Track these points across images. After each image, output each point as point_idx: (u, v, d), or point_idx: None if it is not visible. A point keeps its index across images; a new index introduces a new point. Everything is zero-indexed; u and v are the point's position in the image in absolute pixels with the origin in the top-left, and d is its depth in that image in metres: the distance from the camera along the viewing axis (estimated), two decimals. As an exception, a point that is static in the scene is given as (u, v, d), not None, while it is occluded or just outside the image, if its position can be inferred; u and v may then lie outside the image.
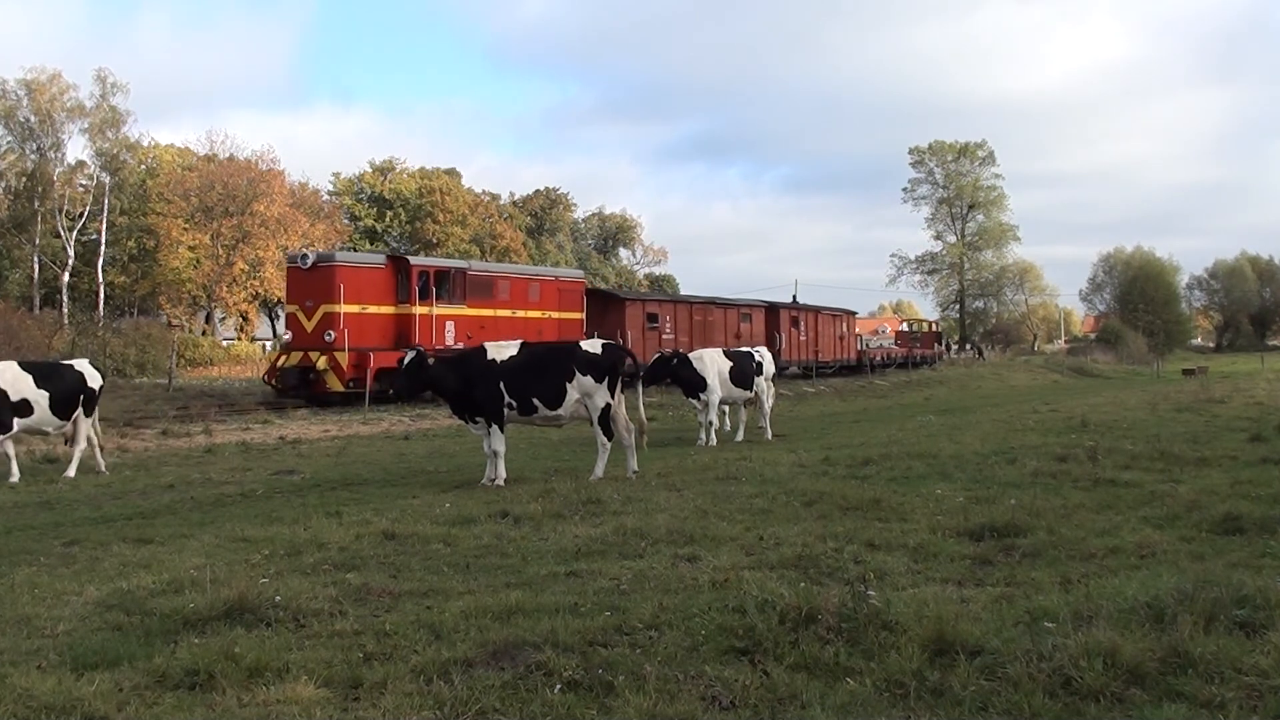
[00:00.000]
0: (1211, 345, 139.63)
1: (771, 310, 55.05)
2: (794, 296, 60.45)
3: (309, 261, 34.52)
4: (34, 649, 6.88)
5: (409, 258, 37.53)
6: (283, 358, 34.46)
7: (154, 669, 6.26)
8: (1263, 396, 32.96)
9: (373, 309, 34.44)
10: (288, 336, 35.07)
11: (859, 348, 66.82)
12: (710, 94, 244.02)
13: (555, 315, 40.45)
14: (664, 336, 44.56)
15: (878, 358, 68.40)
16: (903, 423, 27.35)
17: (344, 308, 33.34)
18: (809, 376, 54.28)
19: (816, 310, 60.46)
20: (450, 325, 36.22)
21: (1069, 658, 5.82)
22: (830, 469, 15.53)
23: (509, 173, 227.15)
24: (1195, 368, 74.78)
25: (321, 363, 32.68)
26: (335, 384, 32.79)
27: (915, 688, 5.74)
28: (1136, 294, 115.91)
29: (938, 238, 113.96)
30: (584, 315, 42.09)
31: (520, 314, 38.97)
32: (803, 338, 56.64)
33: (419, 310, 35.23)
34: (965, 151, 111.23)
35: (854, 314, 67.31)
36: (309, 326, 33.68)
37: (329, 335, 32.96)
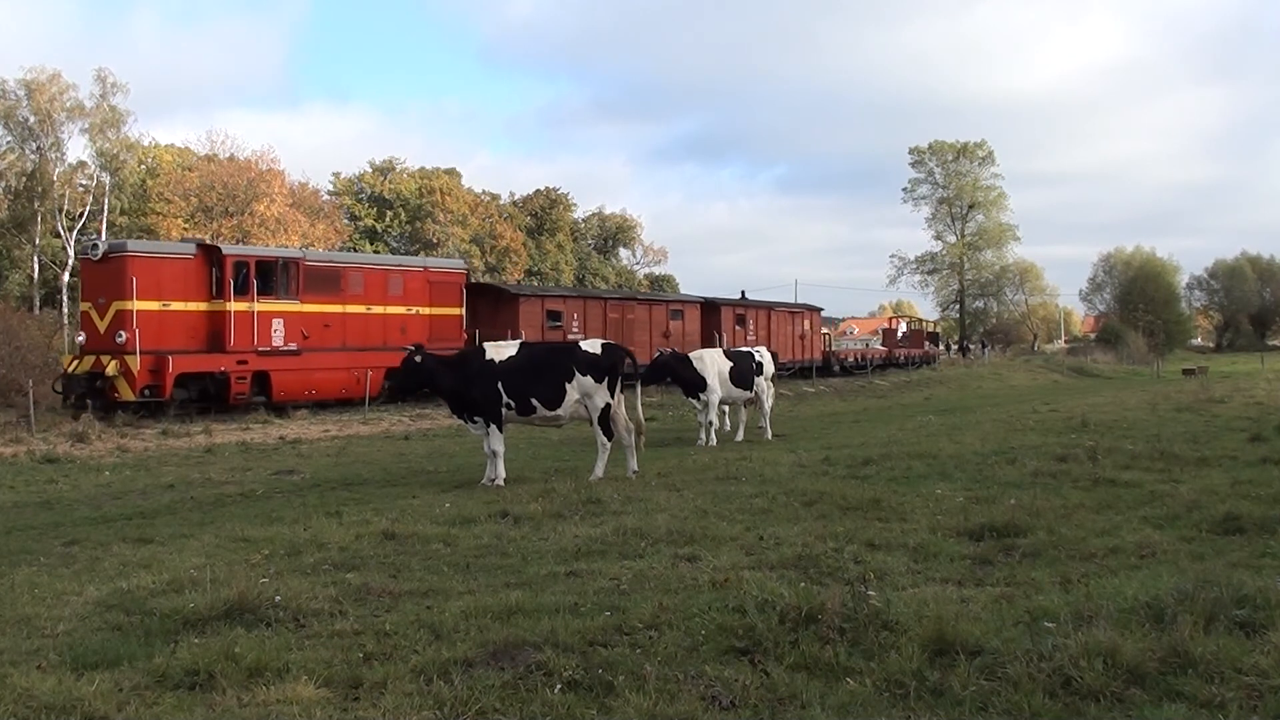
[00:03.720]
0: (1211, 345, 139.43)
1: (710, 307, 50.81)
2: (742, 293, 56.94)
3: (99, 252, 30.34)
4: (34, 649, 6.89)
5: (221, 246, 33.44)
6: (74, 362, 29.76)
7: (154, 669, 6.26)
8: (1263, 396, 32.96)
9: (176, 306, 29.95)
10: (81, 338, 30.54)
11: (826, 348, 62.37)
12: (704, 93, 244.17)
13: (425, 311, 36.15)
14: (569, 337, 39.80)
15: (850, 359, 64.54)
16: (902, 423, 27.36)
17: (137, 304, 28.84)
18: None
19: (769, 307, 55.93)
20: (278, 324, 31.64)
21: (1069, 658, 5.82)
22: (830, 469, 15.55)
23: (505, 172, 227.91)
24: (1195, 368, 74.62)
25: (111, 367, 28.30)
26: (126, 392, 28.39)
27: (915, 688, 5.74)
28: (1136, 294, 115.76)
29: (938, 238, 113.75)
30: (463, 311, 37.77)
31: (377, 310, 34.77)
32: (750, 336, 50.95)
33: (234, 307, 30.52)
34: (965, 151, 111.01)
35: (818, 310, 62.30)
36: (101, 326, 29.51)
37: (120, 336, 28.60)
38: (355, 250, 69.02)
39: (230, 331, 30.31)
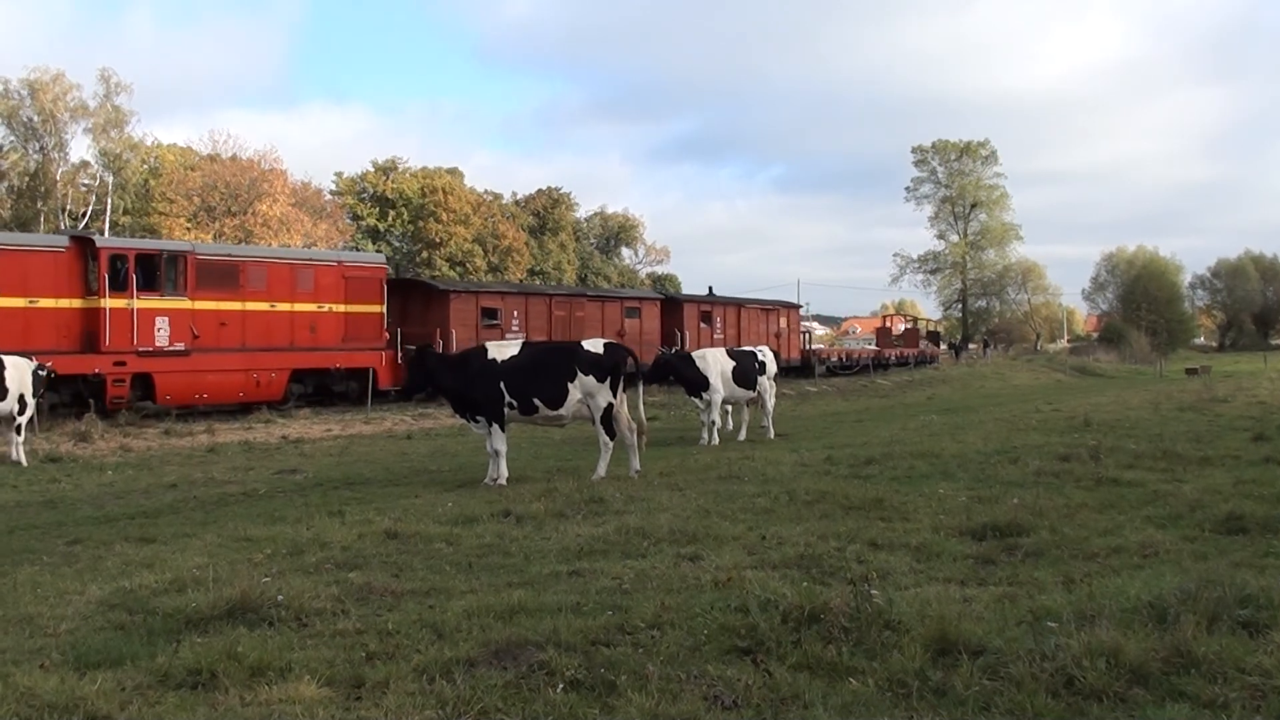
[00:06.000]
0: (1214, 345, 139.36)
1: (671, 304, 48.86)
2: (709, 289, 54.94)
3: None
4: (37, 648, 6.89)
5: (95, 238, 30.44)
6: None
7: (157, 668, 6.27)
8: (1265, 396, 32.93)
9: (45, 303, 27.54)
10: None
11: (805, 347, 59.71)
12: (702, 92, 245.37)
13: (339, 309, 33.47)
14: (507, 336, 37.31)
15: (833, 358, 61.81)
16: (905, 422, 27.33)
17: None
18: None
19: (739, 304, 53.32)
20: (163, 321, 29.11)
21: (1072, 657, 5.81)
22: (833, 468, 15.54)
23: (503, 172, 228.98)
24: (1198, 367, 74.49)
25: None
26: None
27: (918, 687, 5.74)
28: (1139, 293, 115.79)
29: (940, 237, 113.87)
30: (383, 309, 35.02)
31: (282, 307, 32.03)
32: (718, 335, 48.80)
33: (110, 303, 28.05)
34: (968, 150, 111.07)
35: (796, 307, 60.20)
36: None
37: None
38: (357, 249, 68.98)
39: (105, 330, 27.96)
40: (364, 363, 33.68)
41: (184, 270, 29.74)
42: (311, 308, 32.78)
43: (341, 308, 33.51)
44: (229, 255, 32.98)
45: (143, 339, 28.59)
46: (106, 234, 57.74)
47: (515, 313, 40.16)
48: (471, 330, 37.25)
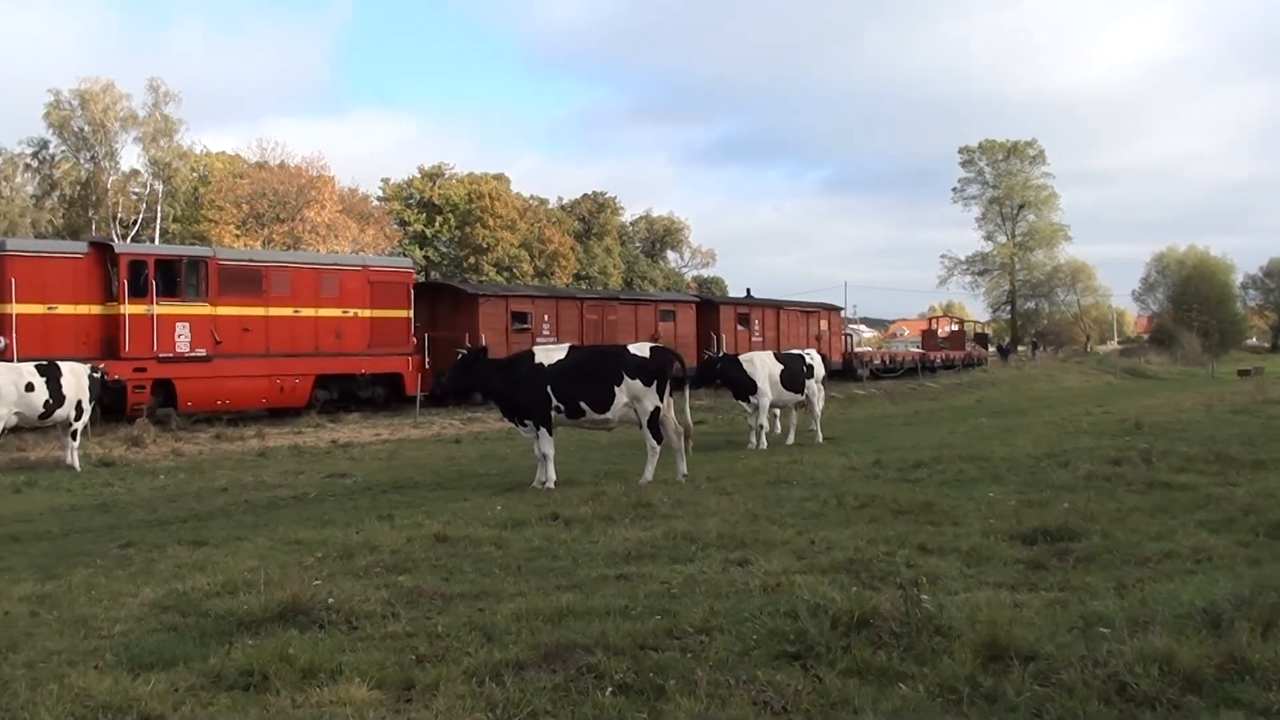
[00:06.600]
0: (1267, 345, 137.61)
1: (707, 306, 47.91)
2: (747, 291, 54.65)
3: None
4: (91, 649, 6.97)
5: (114, 245, 30.68)
6: None
7: (209, 670, 6.33)
8: (1320, 398, 32.49)
9: (64, 309, 27.39)
10: None
11: (847, 350, 58.37)
12: (746, 94, 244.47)
13: (366, 314, 33.16)
14: (538, 340, 36.35)
15: (877, 360, 61.31)
16: (954, 425, 27.18)
17: (17, 308, 26.44)
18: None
19: (778, 306, 52.33)
20: (183, 328, 28.91)
21: (1124, 664, 5.76)
22: (881, 472, 15.47)
23: (549, 176, 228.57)
24: (1251, 368, 73.81)
25: None
26: None
27: (968, 693, 5.71)
28: (1190, 294, 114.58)
29: (988, 238, 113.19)
30: (410, 313, 34.66)
31: (307, 312, 31.77)
32: (756, 338, 47.58)
33: (129, 310, 27.91)
34: (1015, 150, 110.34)
35: (837, 310, 59.11)
36: None
37: (0, 343, 26.19)
38: (404, 255, 69.25)
39: (125, 337, 27.80)
40: (391, 368, 33.48)
41: (205, 276, 29.60)
42: (337, 313, 32.55)
43: (367, 313, 33.26)
44: (252, 261, 32.81)
45: (163, 345, 28.44)
46: (157, 242, 58.47)
47: (546, 317, 39.77)
48: (501, 335, 36.90)
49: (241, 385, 29.91)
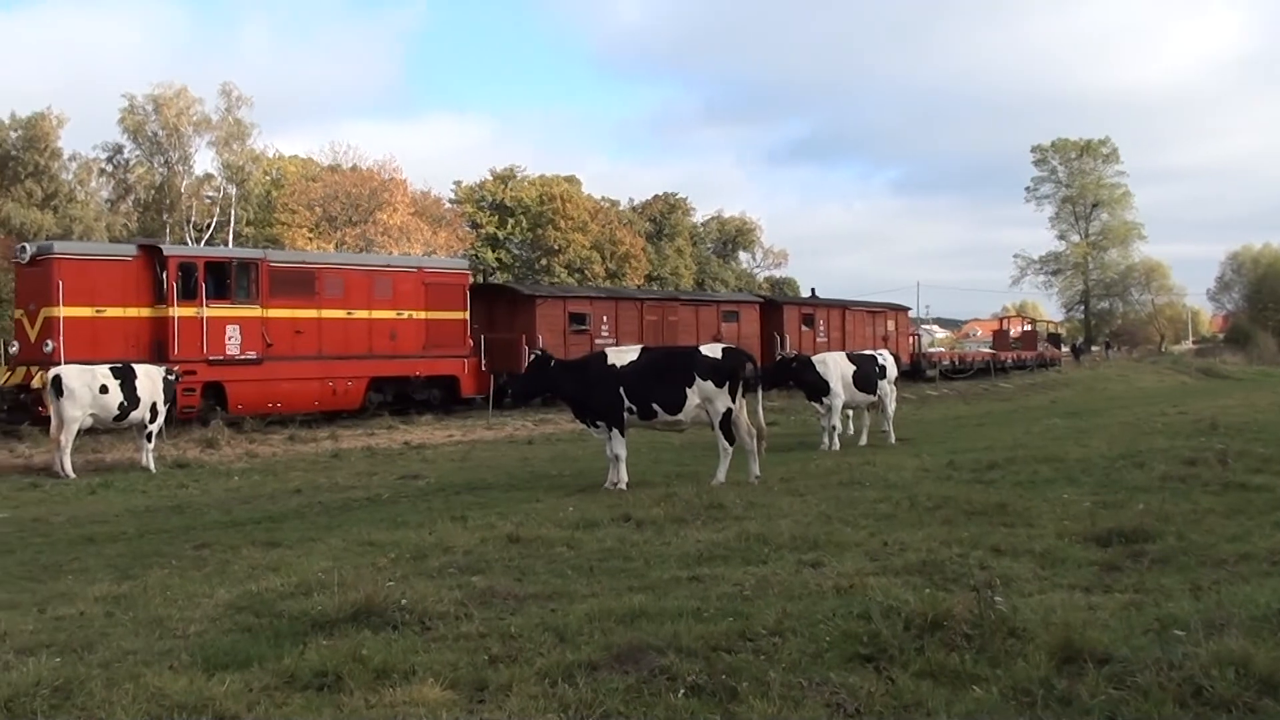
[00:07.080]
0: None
1: (770, 307, 47.25)
2: (812, 290, 53.96)
3: (27, 255, 27.80)
4: (166, 649, 7.05)
5: (163, 247, 30.23)
6: (7, 375, 27.19)
7: (283, 670, 6.37)
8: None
9: (113, 312, 27.22)
10: (14, 348, 28.42)
11: (914, 350, 57.29)
12: (815, 94, 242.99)
13: (421, 315, 32.85)
14: (597, 341, 36.84)
15: (946, 361, 60.62)
16: (1028, 426, 26.89)
17: (64, 311, 26.26)
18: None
19: (843, 306, 51.76)
20: (234, 330, 28.65)
21: (1200, 666, 5.70)
22: (955, 473, 15.34)
23: (619, 178, 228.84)
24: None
25: (39, 380, 24.59)
26: None
27: (1042, 696, 5.67)
28: (1266, 292, 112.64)
29: (1061, 237, 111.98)
30: (466, 315, 34.27)
31: (360, 314, 31.49)
32: (821, 339, 47.07)
33: (178, 312, 27.68)
34: (1088, 149, 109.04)
35: (904, 310, 58.56)
36: (32, 335, 26.84)
37: (47, 346, 26.00)
38: (476, 257, 69.66)
39: (174, 339, 27.54)
40: (446, 370, 33.33)
41: (256, 278, 29.40)
42: (391, 315, 32.26)
43: (422, 314, 32.96)
44: (304, 263, 32.66)
45: (213, 348, 28.22)
46: (231, 245, 59.07)
47: (605, 318, 39.47)
48: (559, 337, 36.51)
49: (294, 388, 29.83)
